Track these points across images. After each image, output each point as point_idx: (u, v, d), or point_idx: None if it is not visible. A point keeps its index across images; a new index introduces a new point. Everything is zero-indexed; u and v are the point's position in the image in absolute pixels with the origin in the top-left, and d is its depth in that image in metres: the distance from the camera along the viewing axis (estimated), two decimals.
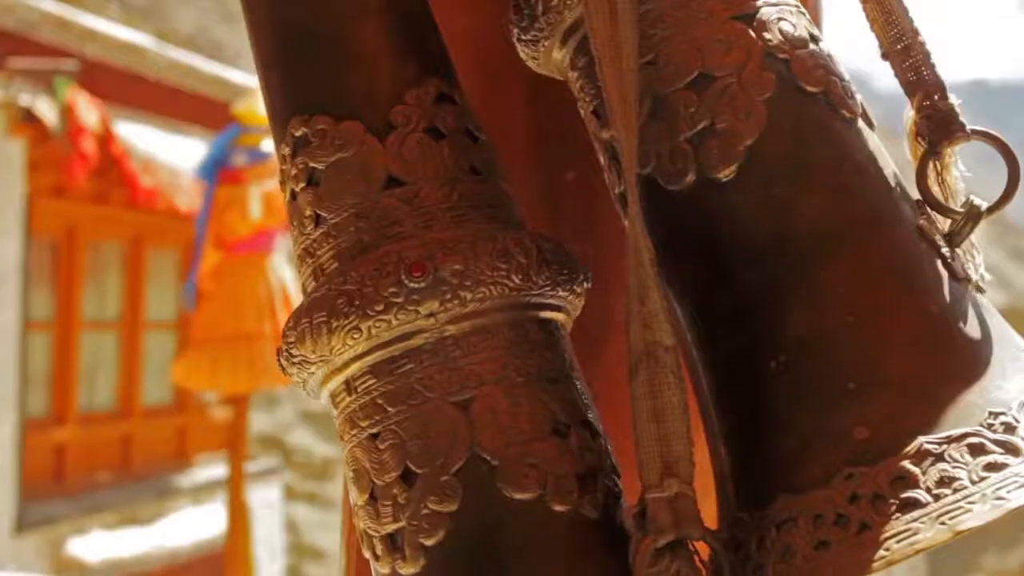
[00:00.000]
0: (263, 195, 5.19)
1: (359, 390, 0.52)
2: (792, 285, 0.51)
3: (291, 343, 0.53)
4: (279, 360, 0.55)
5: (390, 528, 0.50)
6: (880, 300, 0.50)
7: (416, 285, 0.50)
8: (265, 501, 8.35)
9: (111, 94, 6.53)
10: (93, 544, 6.84)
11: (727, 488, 0.53)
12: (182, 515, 7.72)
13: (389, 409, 0.51)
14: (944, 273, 0.51)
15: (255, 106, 5.41)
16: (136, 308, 7.97)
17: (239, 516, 5.62)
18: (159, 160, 6.56)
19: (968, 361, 0.49)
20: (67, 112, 5.89)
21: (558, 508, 0.49)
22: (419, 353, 0.51)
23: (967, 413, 0.48)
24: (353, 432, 0.52)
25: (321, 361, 0.52)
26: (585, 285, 0.55)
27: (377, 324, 0.50)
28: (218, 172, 5.23)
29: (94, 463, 7.41)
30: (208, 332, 5.11)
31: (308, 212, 0.54)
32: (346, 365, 0.52)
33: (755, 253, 0.51)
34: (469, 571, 0.49)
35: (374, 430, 0.51)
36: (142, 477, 7.71)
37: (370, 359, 0.51)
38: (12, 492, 6.44)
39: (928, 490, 0.46)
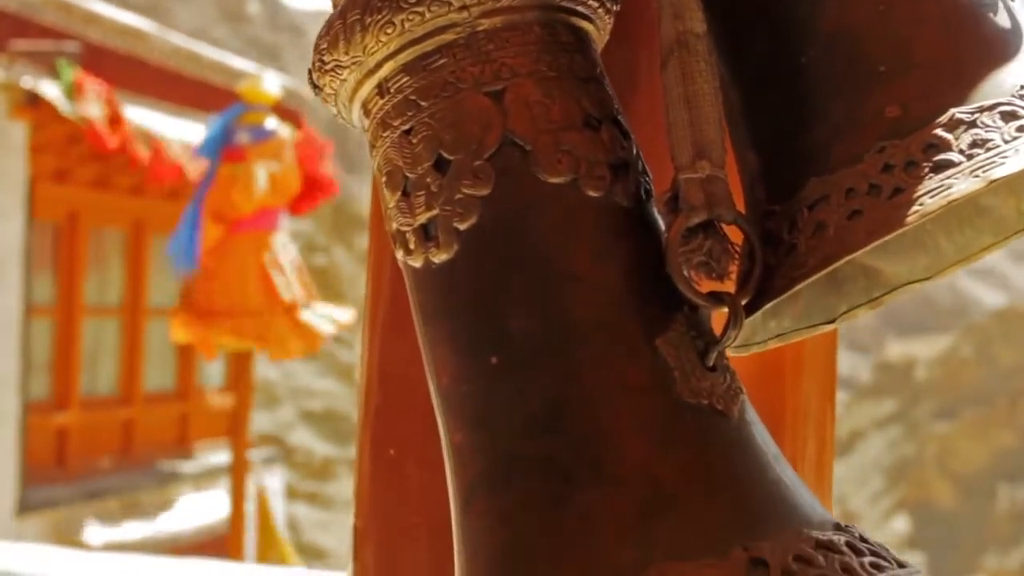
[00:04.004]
0: (266, 173, 5.20)
1: (392, 90, 0.52)
2: None
3: (323, 49, 0.53)
4: (309, 77, 0.55)
5: (423, 218, 0.50)
6: None
7: None
8: (267, 489, 8.33)
9: (112, 77, 6.54)
10: (94, 528, 6.83)
11: (756, 189, 0.53)
12: (183, 500, 7.72)
13: (422, 104, 0.51)
14: None
15: (258, 85, 5.42)
16: (138, 294, 7.97)
17: (241, 501, 5.61)
18: (165, 138, 6.57)
19: (999, 45, 0.50)
20: (76, 92, 5.89)
21: (591, 193, 0.49)
22: (452, 47, 0.51)
23: (998, 87, 0.48)
24: (385, 134, 0.52)
25: (354, 64, 0.52)
26: (615, 6, 0.55)
27: (410, 17, 0.51)
28: (221, 150, 5.23)
29: (96, 448, 7.40)
30: (211, 307, 5.11)
31: None
32: (379, 66, 0.52)
33: None
34: (502, 254, 0.49)
35: (407, 126, 0.51)
36: (143, 462, 7.71)
37: (403, 57, 0.51)
38: (14, 475, 6.43)
39: (961, 152, 0.47)
